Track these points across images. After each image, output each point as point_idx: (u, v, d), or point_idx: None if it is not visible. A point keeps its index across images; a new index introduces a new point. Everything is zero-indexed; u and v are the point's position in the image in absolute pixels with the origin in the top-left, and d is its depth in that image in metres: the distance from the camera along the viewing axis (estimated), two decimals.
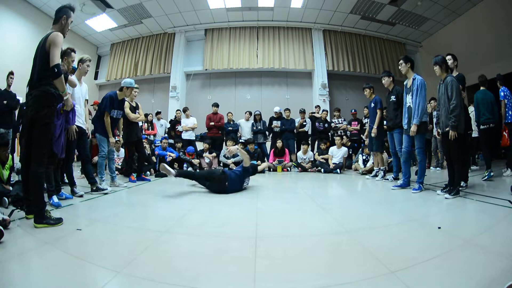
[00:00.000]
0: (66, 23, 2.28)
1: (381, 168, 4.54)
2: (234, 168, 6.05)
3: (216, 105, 6.85)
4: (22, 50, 6.58)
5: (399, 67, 3.83)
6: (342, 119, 7.05)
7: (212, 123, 6.71)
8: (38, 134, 2.08)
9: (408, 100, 3.60)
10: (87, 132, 3.60)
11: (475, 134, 5.61)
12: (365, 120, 6.70)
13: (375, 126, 4.57)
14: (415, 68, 9.90)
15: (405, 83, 3.79)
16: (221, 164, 6.36)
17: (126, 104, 4.52)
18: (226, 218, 2.42)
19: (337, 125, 6.85)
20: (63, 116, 2.69)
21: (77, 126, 3.24)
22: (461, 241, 1.67)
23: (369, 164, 5.44)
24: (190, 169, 5.83)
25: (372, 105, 4.72)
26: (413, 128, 3.41)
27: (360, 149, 6.04)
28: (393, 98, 4.09)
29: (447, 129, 3.07)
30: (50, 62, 2.07)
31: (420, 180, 3.43)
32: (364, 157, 5.66)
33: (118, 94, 3.98)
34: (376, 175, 4.75)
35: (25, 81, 2.78)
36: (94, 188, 3.40)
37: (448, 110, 3.05)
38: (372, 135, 4.62)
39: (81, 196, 3.13)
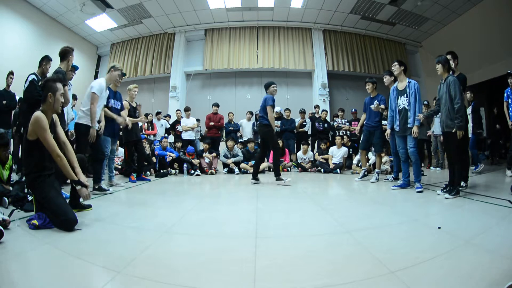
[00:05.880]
0: (54, 99, 2.07)
1: (377, 170, 4.49)
2: (235, 168, 6.10)
3: (216, 105, 6.85)
4: (22, 51, 6.56)
5: (392, 68, 3.81)
6: (345, 120, 7.04)
7: (212, 123, 6.70)
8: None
9: (402, 102, 3.63)
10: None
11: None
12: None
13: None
14: (415, 68, 10.00)
15: (395, 85, 3.80)
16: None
17: (126, 104, 4.52)
18: (226, 218, 2.42)
19: (339, 125, 6.84)
20: None
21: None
22: (461, 241, 1.67)
23: (371, 162, 5.40)
24: (192, 171, 5.80)
25: (376, 103, 4.34)
26: (415, 129, 3.46)
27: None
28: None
29: (447, 129, 3.07)
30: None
31: (418, 179, 3.46)
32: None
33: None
34: (365, 175, 4.63)
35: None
36: (96, 187, 3.40)
37: (449, 110, 3.06)
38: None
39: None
